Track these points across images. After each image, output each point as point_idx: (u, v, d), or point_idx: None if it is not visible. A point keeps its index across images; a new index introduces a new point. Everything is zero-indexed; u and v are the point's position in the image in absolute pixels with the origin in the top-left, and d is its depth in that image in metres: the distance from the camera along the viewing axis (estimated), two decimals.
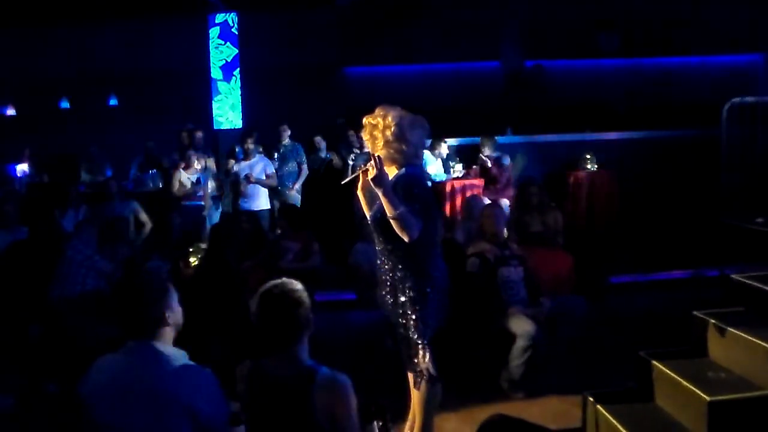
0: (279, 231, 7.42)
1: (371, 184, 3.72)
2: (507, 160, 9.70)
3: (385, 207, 3.72)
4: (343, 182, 4.05)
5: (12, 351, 5.99)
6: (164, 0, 11.12)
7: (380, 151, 3.86)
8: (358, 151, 9.60)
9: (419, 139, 3.99)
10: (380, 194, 3.71)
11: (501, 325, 5.44)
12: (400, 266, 3.93)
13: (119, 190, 8.70)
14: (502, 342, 5.44)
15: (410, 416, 4.25)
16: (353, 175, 3.97)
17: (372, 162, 3.72)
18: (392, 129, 3.82)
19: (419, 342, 3.95)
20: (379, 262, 4.08)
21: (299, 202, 9.72)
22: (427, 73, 12.45)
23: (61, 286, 6.13)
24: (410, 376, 4.11)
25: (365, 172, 3.83)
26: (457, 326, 5.61)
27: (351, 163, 9.50)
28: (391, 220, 3.71)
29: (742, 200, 8.23)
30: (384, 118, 3.86)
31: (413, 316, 3.91)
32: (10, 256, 6.99)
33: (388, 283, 4.02)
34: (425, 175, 4.04)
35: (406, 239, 3.74)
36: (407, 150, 3.88)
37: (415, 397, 4.08)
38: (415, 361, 3.98)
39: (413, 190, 3.80)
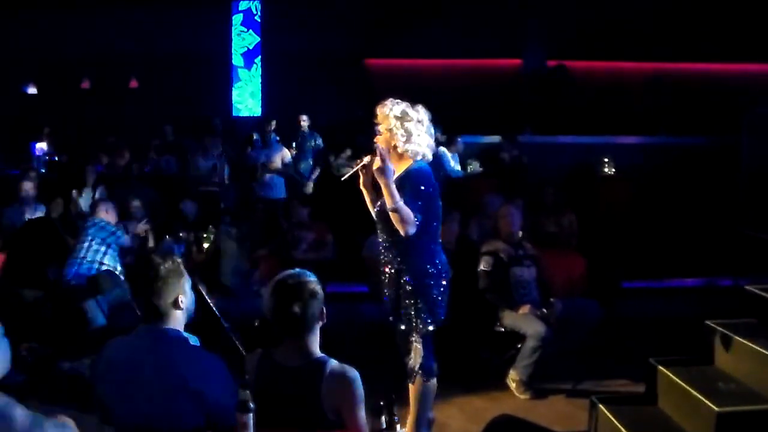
0: (294, 220, 7.43)
1: (374, 174, 3.76)
2: (525, 160, 9.67)
3: (385, 198, 3.76)
4: (342, 178, 4.06)
5: (25, 328, 6.04)
6: None
7: (389, 143, 3.90)
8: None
9: (428, 133, 4.02)
10: (382, 185, 3.74)
11: (511, 324, 5.44)
12: (399, 259, 3.98)
13: (140, 173, 8.74)
14: (512, 342, 5.44)
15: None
16: (352, 171, 3.98)
17: (372, 155, 3.80)
18: (394, 119, 3.88)
19: (413, 337, 4.00)
20: (381, 253, 4.12)
21: (315, 192, 9.72)
22: (448, 68, 12.42)
23: (77, 265, 6.17)
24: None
25: (364, 166, 3.89)
26: (467, 324, 5.64)
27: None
28: (390, 213, 3.75)
29: (760, 210, 8.17)
30: (387, 107, 3.92)
31: (410, 311, 3.97)
32: (26, 234, 7.05)
33: (388, 276, 4.07)
34: (432, 173, 4.05)
35: (402, 233, 3.78)
36: (417, 143, 3.92)
37: (411, 391, 4.11)
38: (410, 355, 4.03)
39: (420, 186, 3.83)
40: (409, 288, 3.96)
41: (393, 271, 4.03)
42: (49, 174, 9.45)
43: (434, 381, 4.11)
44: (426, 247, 3.96)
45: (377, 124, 3.99)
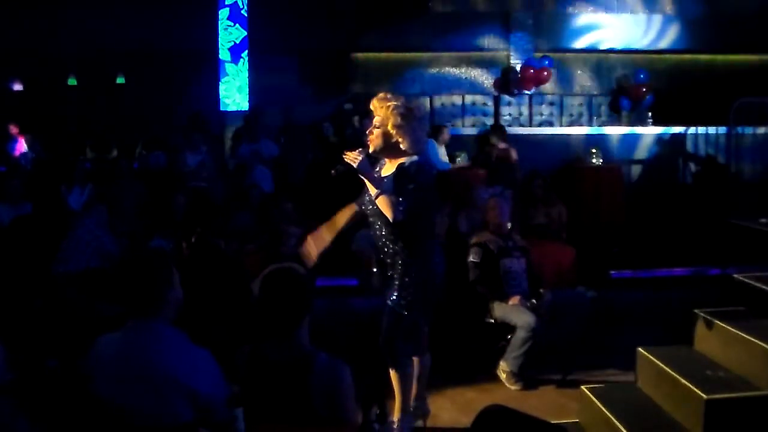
0: (282, 215, 7.41)
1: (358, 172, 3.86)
2: (515, 153, 9.66)
3: (369, 188, 3.91)
4: (333, 171, 4.06)
5: (13, 325, 6.01)
6: None
7: (388, 138, 3.92)
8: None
9: (423, 126, 4.10)
10: (363, 177, 3.87)
11: (501, 316, 5.46)
12: (398, 252, 3.99)
13: (129, 169, 8.69)
14: (502, 333, 5.45)
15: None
16: (340, 168, 3.99)
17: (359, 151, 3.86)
18: (399, 116, 3.89)
19: (398, 326, 4.03)
20: (380, 245, 4.12)
21: (304, 186, 9.69)
22: (436, 61, 12.39)
23: (66, 262, 6.13)
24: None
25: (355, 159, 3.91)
26: (457, 316, 5.65)
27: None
28: (377, 200, 3.86)
29: (748, 200, 8.21)
30: (390, 102, 3.93)
31: (401, 302, 3.99)
32: (13, 231, 7.01)
33: (386, 268, 4.09)
34: (428, 165, 4.09)
35: (390, 218, 3.83)
36: (412, 137, 3.94)
37: (392, 376, 4.15)
38: (392, 344, 4.06)
39: (410, 184, 3.87)
40: (405, 279, 3.98)
41: (390, 262, 4.04)
42: (37, 171, 9.38)
43: (412, 367, 4.20)
44: (424, 242, 4.02)
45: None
